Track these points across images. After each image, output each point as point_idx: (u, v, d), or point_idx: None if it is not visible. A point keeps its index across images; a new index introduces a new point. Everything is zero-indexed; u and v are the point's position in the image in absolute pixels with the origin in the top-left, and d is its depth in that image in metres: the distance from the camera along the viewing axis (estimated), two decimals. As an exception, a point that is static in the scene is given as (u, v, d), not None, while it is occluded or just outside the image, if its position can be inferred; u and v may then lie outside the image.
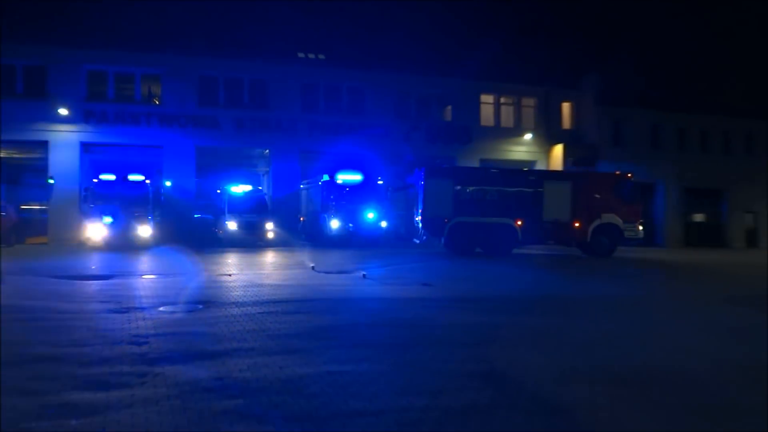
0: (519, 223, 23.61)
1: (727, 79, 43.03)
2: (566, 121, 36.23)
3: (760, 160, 38.22)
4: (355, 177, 27.44)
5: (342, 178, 27.25)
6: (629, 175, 24.52)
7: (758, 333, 8.91)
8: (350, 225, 26.69)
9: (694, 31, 46.59)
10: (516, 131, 34.92)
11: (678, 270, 20.08)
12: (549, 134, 35.14)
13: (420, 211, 24.15)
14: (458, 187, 24.10)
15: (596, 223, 23.63)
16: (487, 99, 34.88)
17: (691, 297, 13.06)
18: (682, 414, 5.22)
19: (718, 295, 13.30)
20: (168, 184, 28.72)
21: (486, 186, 24.29)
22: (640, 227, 24.16)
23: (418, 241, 25.05)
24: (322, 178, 27.69)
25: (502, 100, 35.24)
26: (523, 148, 34.87)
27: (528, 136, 34.74)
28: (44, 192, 28.29)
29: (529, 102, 35.61)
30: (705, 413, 5.23)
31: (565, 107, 36.24)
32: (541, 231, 23.93)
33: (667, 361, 7.04)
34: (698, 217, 38.39)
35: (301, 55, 33.17)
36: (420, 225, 24.38)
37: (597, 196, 23.95)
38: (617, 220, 23.69)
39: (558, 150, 34.50)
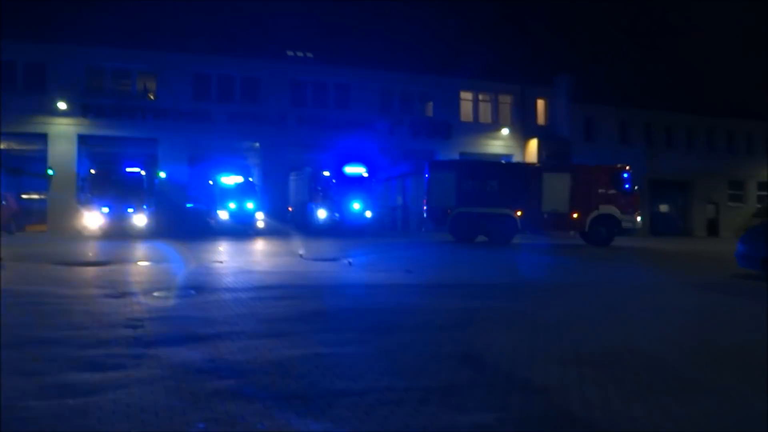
0: (519, 213, 23.73)
1: (692, 78, 43.40)
2: (541, 117, 36.37)
3: (721, 154, 38.69)
4: (341, 169, 27.37)
5: (329, 170, 27.17)
6: (627, 168, 24.29)
7: (716, 315, 9.02)
8: (337, 215, 26.65)
9: (661, 31, 46.86)
10: (493, 126, 35.00)
11: (646, 257, 20.25)
12: (524, 129, 35.26)
13: (425, 201, 24.77)
14: (461, 180, 24.30)
15: (594, 214, 23.54)
16: (466, 96, 34.92)
17: (656, 282, 13.19)
18: (646, 391, 5.28)
19: (682, 279, 13.44)
20: (162, 175, 28.51)
21: (487, 178, 24.35)
22: (638, 218, 24.05)
23: (423, 230, 25.89)
24: (310, 170, 27.60)
25: (481, 97, 35.29)
26: (500, 143, 34.96)
27: (505, 131, 34.84)
28: (43, 182, 27.99)
29: (505, 99, 35.69)
30: (666, 390, 5.29)
31: (540, 104, 36.38)
32: (540, 221, 24.06)
33: (632, 342, 7.11)
34: (663, 208, 38.77)
35: (290, 53, 33.01)
36: (425, 215, 25.01)
37: (595, 188, 23.79)
38: (615, 211, 23.56)
39: (533, 144, 34.64)
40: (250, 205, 26.65)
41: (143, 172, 25.44)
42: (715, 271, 15.72)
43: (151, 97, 30.46)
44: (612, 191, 23.72)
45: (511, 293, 10.98)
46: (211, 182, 27.80)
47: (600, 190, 23.71)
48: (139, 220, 23.96)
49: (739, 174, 39.29)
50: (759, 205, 38.06)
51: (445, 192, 24.19)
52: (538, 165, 26.01)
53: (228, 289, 10.56)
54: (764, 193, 39.87)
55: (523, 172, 25.09)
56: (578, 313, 8.95)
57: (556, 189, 23.78)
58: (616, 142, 36.27)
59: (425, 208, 24.99)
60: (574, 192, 23.76)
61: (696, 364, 6.24)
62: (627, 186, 23.83)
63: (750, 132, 40.31)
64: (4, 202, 23.98)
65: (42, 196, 29.13)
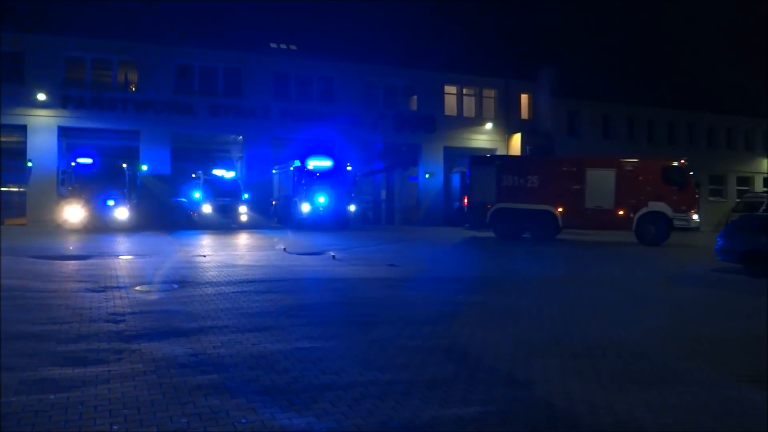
0: (560, 209, 22.98)
1: (673, 74, 43.77)
2: (524, 111, 36.48)
3: (701, 150, 39.11)
4: (325, 163, 27.30)
5: (312, 163, 27.07)
6: (682, 162, 22.79)
7: (696, 307, 9.15)
8: (320, 209, 26.59)
9: (645, 25, 47.19)
10: (478, 120, 35.07)
11: (624, 252, 20.41)
12: (508, 123, 35.37)
13: (466, 197, 24.83)
14: (501, 175, 23.95)
15: (643, 211, 22.23)
16: (450, 90, 34.93)
17: (636, 276, 13.33)
18: (627, 382, 5.35)
19: (662, 273, 13.60)
20: (144, 168, 28.26)
21: (528, 173, 23.80)
22: (695, 216, 22.50)
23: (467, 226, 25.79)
24: (294, 163, 27.49)
25: (465, 91, 35.32)
26: (484, 137, 35.05)
27: (489, 125, 34.92)
28: (23, 175, 27.63)
29: (489, 93, 35.77)
30: (646, 380, 5.37)
31: (524, 98, 36.48)
32: (583, 218, 23.04)
33: (612, 334, 7.19)
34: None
35: (273, 45, 32.75)
36: (467, 211, 24.94)
37: (644, 183, 22.47)
38: (666, 209, 22.05)
39: (516, 138, 34.77)
40: (234, 199, 26.50)
41: (125, 165, 25.18)
42: (694, 264, 15.92)
43: (133, 89, 30.10)
44: (663, 187, 22.25)
45: (495, 287, 11.05)
46: (194, 176, 27.60)
47: (649, 186, 22.35)
48: (121, 213, 23.74)
49: (719, 168, 39.78)
50: (738, 200, 38.51)
51: (486, 188, 24.06)
52: (581, 159, 24.69)
53: (211, 283, 10.53)
54: (744, 187, 40.40)
55: (564, 166, 24.06)
56: (558, 306, 9.03)
57: (601, 184, 22.73)
58: (598, 137, 36.54)
59: (466, 204, 24.97)
60: (619, 187, 22.56)
61: (675, 355, 6.33)
62: (681, 181, 22.26)
63: (730, 127, 40.81)
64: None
65: (21, 189, 28.75)
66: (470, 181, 24.79)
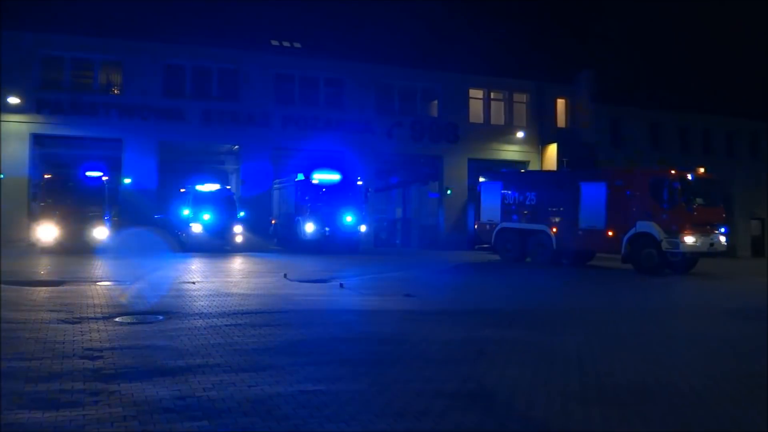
0: (554, 230, 23.43)
1: (732, 77, 43.57)
2: (561, 118, 36.47)
3: (765, 163, 38.75)
4: (333, 176, 27.38)
5: (318, 177, 27.17)
6: (672, 172, 21.65)
7: (752, 346, 9.02)
8: (327, 229, 26.61)
9: (698, 23, 47.11)
10: (507, 129, 35.09)
11: (677, 280, 20.23)
12: (542, 133, 35.36)
13: (476, 217, 26.25)
14: (505, 193, 25.15)
15: (631, 232, 21.42)
16: (476, 94, 35.02)
17: (681, 308, 13.19)
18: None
19: (708, 306, 13.45)
20: (127, 181, 28.48)
21: (527, 190, 24.57)
22: (689, 239, 20.53)
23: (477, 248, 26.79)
24: (297, 177, 27.60)
25: (493, 95, 35.40)
26: (514, 148, 35.04)
27: (520, 135, 34.92)
28: (-9, 188, 27.91)
29: (521, 98, 35.82)
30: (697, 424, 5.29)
31: (560, 104, 36.49)
32: (575, 239, 23.00)
33: (662, 377, 7.10)
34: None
35: (275, 42, 33.05)
36: (476, 231, 26.24)
37: (633, 199, 21.77)
38: (654, 229, 20.95)
39: (552, 150, 34.70)
40: (228, 217, 26.61)
41: (105, 178, 25.38)
42: (757, 297, 15.73)
43: (116, 92, 30.45)
44: (652, 203, 21.26)
45: (524, 320, 10.98)
46: (183, 190, 27.78)
47: (638, 202, 21.57)
48: (100, 232, 23.90)
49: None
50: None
51: (492, 206, 25.55)
52: (574, 172, 25.27)
53: (201, 315, 10.54)
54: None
55: (558, 181, 24.74)
56: (598, 343, 8.95)
57: (592, 201, 22.56)
58: (646, 147, 36.41)
59: (476, 224, 26.62)
60: (610, 204, 22.17)
61: (736, 401, 6.23)
62: (674, 196, 20.90)
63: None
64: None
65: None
66: (480, 199, 26.08)
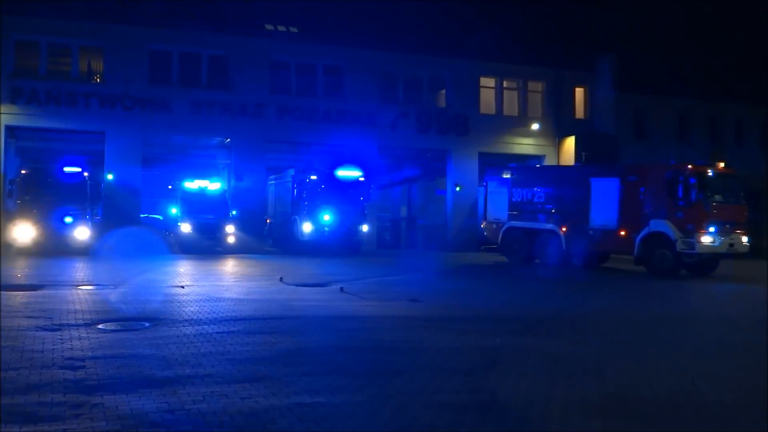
0: (563, 229, 23.57)
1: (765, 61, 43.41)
2: (579, 109, 36.41)
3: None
4: (332, 172, 27.41)
5: (316, 173, 27.21)
6: (689, 167, 21.51)
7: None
8: (326, 229, 26.65)
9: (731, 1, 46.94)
10: (521, 120, 35.02)
11: (698, 283, 20.19)
12: (559, 124, 35.30)
13: (483, 215, 26.78)
14: (512, 189, 25.53)
15: (644, 231, 21.49)
16: (487, 82, 34.96)
17: (713, 315, 13.19)
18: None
19: (738, 313, 13.44)
20: (110, 177, 28.51)
21: (536, 186, 24.88)
22: (706, 239, 20.49)
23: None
24: (293, 173, 27.64)
25: (506, 83, 35.34)
26: (529, 141, 34.99)
27: (535, 126, 34.86)
28: (-38, 185, 27.97)
29: (536, 86, 35.75)
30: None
31: (579, 93, 36.42)
32: (586, 239, 22.99)
33: (690, 388, 7.11)
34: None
35: (269, 27, 33.03)
36: (483, 230, 26.81)
37: (647, 196, 21.85)
38: (669, 229, 20.95)
39: (570, 143, 34.63)
40: (219, 216, 26.63)
41: (86, 174, 25.44)
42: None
43: (97, 80, 30.48)
44: (668, 200, 21.29)
45: (539, 327, 10.99)
46: (170, 187, 27.85)
47: (653, 199, 21.69)
48: (81, 232, 23.95)
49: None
50: None
51: (499, 204, 25.98)
52: (585, 167, 25.58)
53: (191, 321, 10.57)
54: None
55: (568, 177, 24.90)
56: (619, 351, 8.96)
57: (604, 198, 22.69)
58: (673, 140, 36.30)
59: (482, 223, 27.10)
60: (622, 201, 22.26)
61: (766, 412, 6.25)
62: (690, 193, 20.82)
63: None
64: None
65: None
66: (486, 196, 26.64)
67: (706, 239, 20.47)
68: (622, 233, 22.01)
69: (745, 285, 20.60)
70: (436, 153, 34.21)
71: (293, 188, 27.58)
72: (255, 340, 9.11)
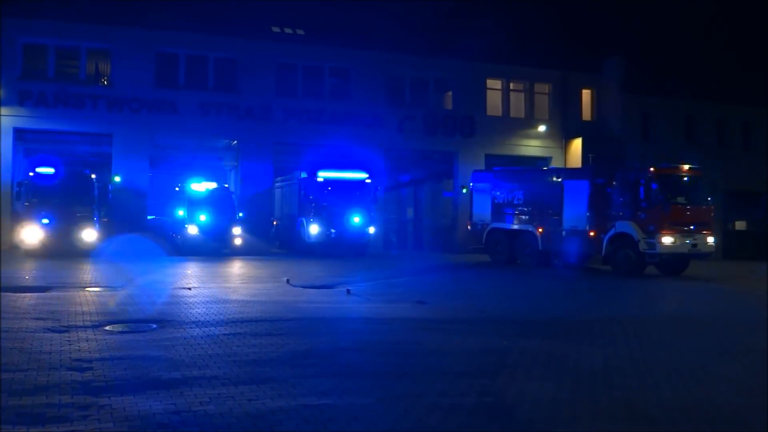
0: (540, 230, 24.40)
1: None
2: (586, 111, 36.35)
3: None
4: (339, 174, 27.40)
5: (323, 175, 27.20)
6: (652, 169, 22.35)
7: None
8: (332, 230, 26.65)
9: (738, 3, 46.85)
10: (528, 122, 35.01)
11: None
12: (566, 126, 35.26)
13: (469, 217, 28.00)
14: (494, 191, 26.59)
15: (611, 232, 22.33)
16: (494, 84, 34.96)
17: (721, 317, 13.14)
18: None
19: (751, 314, 13.38)
20: (117, 179, 28.58)
21: (515, 188, 25.91)
22: (667, 239, 21.18)
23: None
24: (300, 174, 27.64)
25: (512, 85, 35.33)
26: (535, 143, 34.97)
27: (542, 128, 34.83)
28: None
29: (543, 88, 35.72)
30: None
31: (585, 95, 36.37)
32: (560, 240, 23.84)
33: (699, 393, 7.08)
34: (740, 225, 38.55)
35: (276, 29, 33.10)
36: (470, 231, 27.89)
37: (615, 197, 22.68)
38: (633, 229, 21.66)
39: (576, 144, 34.62)
40: (226, 218, 26.64)
41: (93, 176, 25.51)
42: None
43: (105, 83, 30.59)
44: (633, 202, 22.03)
45: (546, 330, 10.98)
46: (177, 189, 27.85)
47: (619, 201, 22.48)
48: (89, 234, 24.02)
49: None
50: None
51: (483, 206, 27.02)
52: (559, 170, 26.78)
53: (198, 323, 10.59)
54: None
55: (544, 179, 25.88)
56: (626, 355, 8.94)
57: (576, 200, 23.68)
58: (680, 142, 36.21)
59: (468, 224, 28.13)
60: (591, 203, 23.16)
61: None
62: (652, 194, 21.62)
63: None
64: None
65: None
66: (471, 198, 27.80)
67: (667, 240, 21.19)
68: (592, 234, 23.01)
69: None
70: (442, 155, 34.23)
71: (300, 190, 27.58)
72: (262, 342, 9.11)
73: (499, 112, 34.81)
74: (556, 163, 34.41)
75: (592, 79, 35.94)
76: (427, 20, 34.91)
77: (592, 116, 36.25)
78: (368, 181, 27.92)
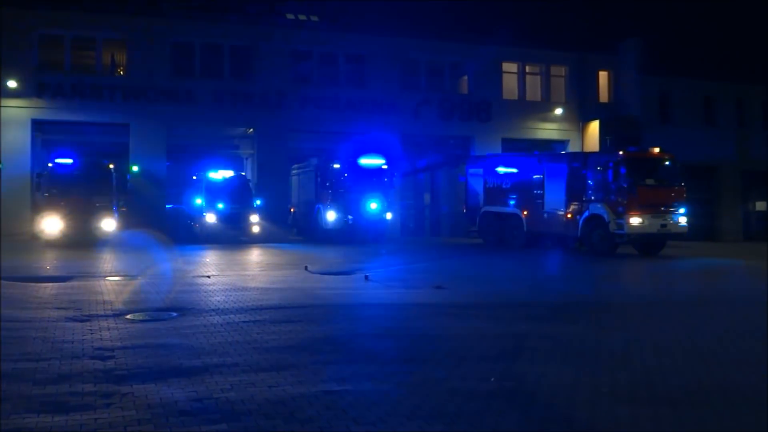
0: (525, 213, 25.72)
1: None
2: (603, 93, 36.10)
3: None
4: (355, 160, 27.39)
5: (339, 161, 27.20)
6: (621, 153, 23.32)
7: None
8: (350, 217, 26.68)
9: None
10: (544, 106, 34.83)
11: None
12: (583, 109, 35.05)
13: (465, 201, 29.24)
14: (487, 176, 27.61)
15: (585, 214, 23.55)
16: (509, 68, 34.77)
17: (741, 298, 13.02)
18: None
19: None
20: (135, 168, 28.72)
21: (505, 173, 27.07)
22: (635, 220, 22.16)
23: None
24: (317, 161, 27.65)
25: (528, 68, 35.13)
26: (552, 126, 34.78)
27: (558, 111, 34.65)
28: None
29: (559, 71, 35.49)
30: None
31: (602, 77, 36.11)
32: (542, 223, 25.23)
33: (720, 375, 7.03)
34: (761, 206, 38.25)
35: (290, 16, 33.10)
36: (465, 215, 29.12)
37: (588, 181, 23.80)
38: (604, 212, 22.75)
39: (594, 127, 34.42)
40: (243, 206, 26.72)
41: (112, 165, 25.67)
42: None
43: (121, 73, 30.71)
44: (605, 185, 23.12)
45: (565, 314, 10.94)
46: (195, 178, 27.96)
47: (592, 184, 23.65)
48: (108, 223, 24.18)
49: None
50: None
51: (476, 190, 28.24)
52: (541, 155, 27.38)
53: (217, 311, 10.63)
54: None
55: (529, 164, 26.56)
56: (647, 338, 8.89)
57: (555, 184, 24.86)
58: (699, 123, 35.92)
59: (464, 208, 29.07)
60: (569, 187, 24.39)
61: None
62: (620, 177, 22.55)
63: None
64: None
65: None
66: (467, 183, 29.01)
67: (634, 220, 22.24)
68: (569, 216, 24.14)
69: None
70: (459, 140, 34.13)
71: (316, 177, 27.62)
72: (281, 329, 9.13)
73: (515, 95, 34.65)
74: (573, 147, 34.25)
75: (609, 61, 35.65)
76: (442, 5, 34.74)
77: (609, 98, 36.01)
78: (385, 167, 27.91)
